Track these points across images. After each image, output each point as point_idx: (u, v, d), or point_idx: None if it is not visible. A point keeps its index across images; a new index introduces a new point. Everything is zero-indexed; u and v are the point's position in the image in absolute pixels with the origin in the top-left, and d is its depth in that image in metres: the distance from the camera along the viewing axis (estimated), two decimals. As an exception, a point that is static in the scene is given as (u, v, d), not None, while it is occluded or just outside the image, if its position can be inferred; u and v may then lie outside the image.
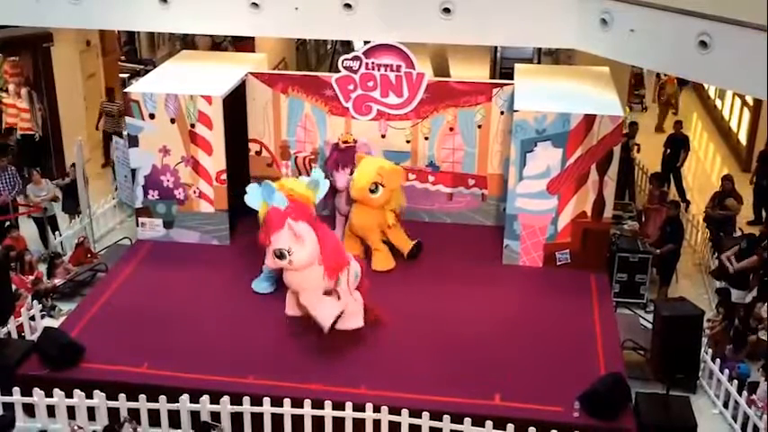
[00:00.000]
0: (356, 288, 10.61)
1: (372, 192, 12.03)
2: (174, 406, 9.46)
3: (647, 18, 10.98)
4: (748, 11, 9.64)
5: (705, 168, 18.27)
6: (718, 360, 10.49)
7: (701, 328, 9.77)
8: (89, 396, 9.50)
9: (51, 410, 9.61)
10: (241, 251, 12.60)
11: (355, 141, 12.74)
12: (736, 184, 14.19)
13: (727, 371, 10.28)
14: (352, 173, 12.41)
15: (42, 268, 12.77)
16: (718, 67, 10.29)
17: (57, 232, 13.85)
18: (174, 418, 9.54)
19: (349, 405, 9.33)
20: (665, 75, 19.86)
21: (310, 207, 10.85)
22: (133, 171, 12.95)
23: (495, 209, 13.43)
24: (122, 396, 9.47)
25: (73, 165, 13.95)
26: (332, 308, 10.26)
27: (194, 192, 12.90)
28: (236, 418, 9.49)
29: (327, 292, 10.39)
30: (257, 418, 9.49)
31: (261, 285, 11.71)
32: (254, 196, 11.22)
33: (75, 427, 9.14)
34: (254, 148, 13.75)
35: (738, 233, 13.61)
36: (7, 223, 13.32)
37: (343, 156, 12.62)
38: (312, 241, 9.99)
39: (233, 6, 12.65)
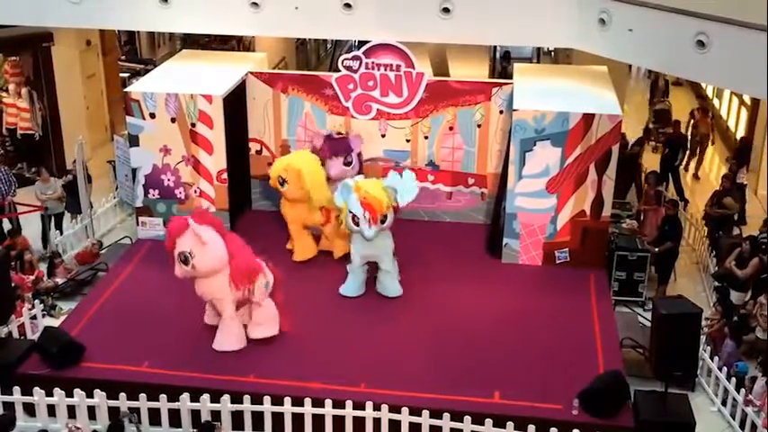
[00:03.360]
0: (269, 297, 10.43)
1: (281, 185, 12.10)
2: (174, 405, 9.49)
3: (645, 18, 11.01)
4: (745, 11, 9.68)
5: (703, 167, 18.25)
6: (716, 358, 10.54)
7: (699, 327, 9.80)
8: (89, 395, 9.51)
9: (52, 410, 9.63)
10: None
11: (347, 133, 12.92)
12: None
13: (725, 368, 10.32)
14: (345, 163, 12.56)
15: (43, 267, 12.79)
16: (715, 67, 10.33)
17: (58, 231, 13.83)
18: (175, 418, 9.57)
19: (349, 403, 9.35)
20: (698, 113, 17.68)
21: (224, 228, 10.35)
22: (134, 170, 12.98)
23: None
24: (123, 395, 9.49)
25: (74, 161, 13.95)
26: (232, 341, 10.33)
27: (195, 191, 12.93)
28: (237, 417, 9.51)
29: (242, 303, 10.34)
30: (258, 417, 9.51)
31: (349, 289, 11.65)
32: (341, 194, 11.26)
33: (74, 428, 9.11)
34: (254, 147, 13.78)
35: (736, 231, 13.65)
36: (8, 227, 13.31)
37: (336, 145, 12.70)
38: (217, 248, 9.83)
39: (233, 6, 12.67)
